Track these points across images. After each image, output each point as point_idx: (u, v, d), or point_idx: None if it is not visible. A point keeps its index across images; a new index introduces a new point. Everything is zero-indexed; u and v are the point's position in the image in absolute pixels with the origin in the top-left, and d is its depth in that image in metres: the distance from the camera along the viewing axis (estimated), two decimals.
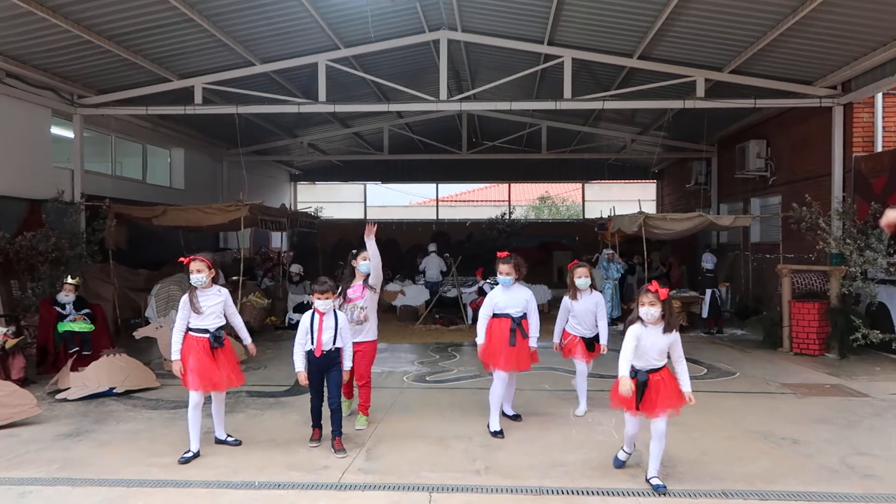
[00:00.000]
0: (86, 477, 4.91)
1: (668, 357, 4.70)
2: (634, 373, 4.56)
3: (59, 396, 7.14)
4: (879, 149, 10.62)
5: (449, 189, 26.95)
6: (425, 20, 10.97)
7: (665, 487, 4.55)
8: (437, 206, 25.45)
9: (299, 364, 5.50)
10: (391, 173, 23.68)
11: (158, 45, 10.17)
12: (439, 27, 11.36)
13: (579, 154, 19.63)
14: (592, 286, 6.62)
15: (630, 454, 5.03)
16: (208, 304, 5.38)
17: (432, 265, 15.58)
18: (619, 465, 5.03)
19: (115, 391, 7.32)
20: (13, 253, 9.60)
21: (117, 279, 11.80)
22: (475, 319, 6.77)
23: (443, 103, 11.79)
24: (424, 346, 10.84)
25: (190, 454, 5.27)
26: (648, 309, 4.54)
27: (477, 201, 28.36)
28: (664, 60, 11.04)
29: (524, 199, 28.74)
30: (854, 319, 9.35)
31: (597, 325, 6.56)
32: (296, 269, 14.41)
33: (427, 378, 8.42)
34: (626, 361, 4.56)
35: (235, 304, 11.53)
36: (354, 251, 6.37)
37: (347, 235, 22.36)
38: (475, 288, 12.94)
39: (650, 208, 21.71)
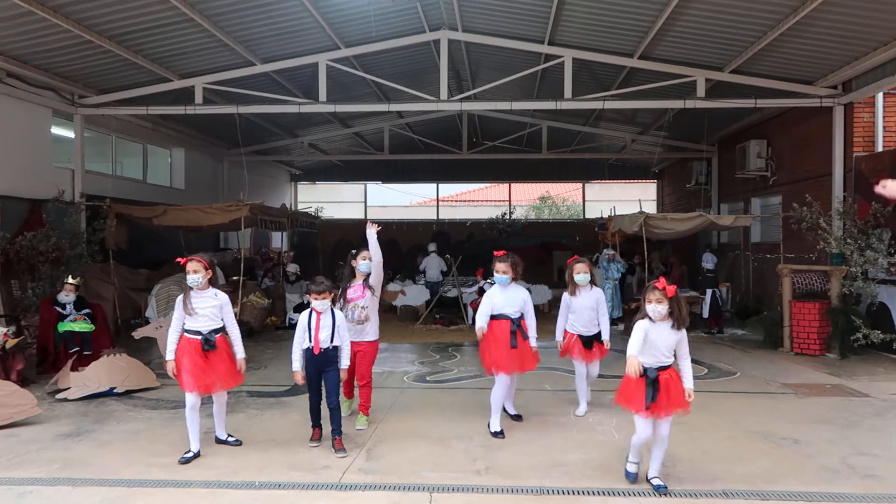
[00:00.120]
0: (86, 477, 4.91)
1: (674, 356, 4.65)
2: (644, 371, 4.47)
3: (59, 396, 7.14)
4: (880, 148, 10.62)
5: (449, 189, 26.95)
6: (426, 20, 10.97)
7: (666, 487, 4.55)
8: (438, 206, 25.45)
9: (296, 363, 5.52)
10: (392, 173, 23.69)
11: (159, 45, 10.17)
12: (440, 27, 11.36)
13: (580, 154, 19.63)
14: (593, 283, 6.54)
15: (638, 464, 4.76)
16: (202, 306, 5.30)
17: (432, 265, 15.57)
18: (633, 478, 4.72)
19: (115, 391, 7.32)
20: (13, 253, 9.60)
21: (118, 279, 11.80)
22: (476, 319, 6.72)
23: (443, 103, 11.78)
24: (425, 346, 10.83)
25: (190, 454, 5.26)
26: (655, 306, 4.47)
27: (477, 201, 28.37)
28: (665, 60, 11.03)
29: (524, 199, 28.75)
30: (855, 319, 9.34)
31: (597, 324, 6.48)
32: (292, 268, 14.41)
33: (427, 378, 8.42)
34: (635, 347, 4.45)
35: (235, 304, 11.65)
36: (354, 251, 6.35)
37: (348, 235, 22.35)
38: (475, 288, 12.93)
39: (651, 208, 21.70)
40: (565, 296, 6.54)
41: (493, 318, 5.98)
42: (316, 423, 5.65)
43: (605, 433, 5.95)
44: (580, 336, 6.47)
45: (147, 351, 9.09)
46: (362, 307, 6.08)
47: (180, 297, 5.37)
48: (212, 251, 15.63)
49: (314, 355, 5.44)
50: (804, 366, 8.99)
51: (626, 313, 12.41)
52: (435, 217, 24.91)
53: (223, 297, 5.44)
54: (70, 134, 11.78)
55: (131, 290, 12.28)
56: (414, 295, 14.58)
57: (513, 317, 5.96)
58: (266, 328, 12.59)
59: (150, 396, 7.35)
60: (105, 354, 7.65)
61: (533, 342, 6.05)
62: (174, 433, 5.88)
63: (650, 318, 4.50)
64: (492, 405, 5.97)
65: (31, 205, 10.41)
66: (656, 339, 4.49)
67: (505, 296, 5.99)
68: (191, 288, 5.31)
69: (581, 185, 25.39)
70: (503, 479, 4.84)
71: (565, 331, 6.58)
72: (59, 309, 8.70)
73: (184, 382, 5.26)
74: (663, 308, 4.46)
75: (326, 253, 18.19)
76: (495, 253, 6.10)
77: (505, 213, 23.85)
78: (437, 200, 25.55)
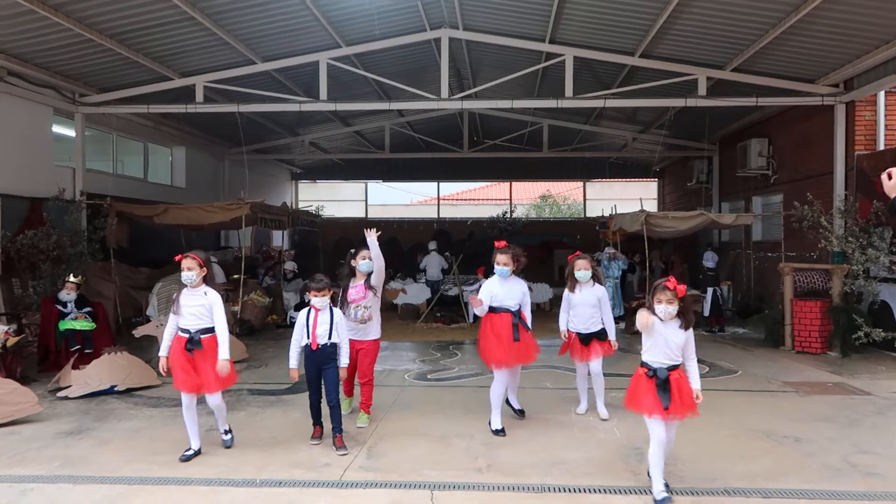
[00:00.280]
0: (87, 474, 4.91)
1: None
2: (653, 372, 4.35)
3: (60, 394, 7.14)
4: (882, 147, 10.61)
5: (450, 187, 26.95)
6: (426, 18, 10.96)
7: (667, 485, 4.53)
8: (439, 205, 25.44)
9: (293, 361, 5.55)
10: (392, 172, 23.67)
11: (160, 44, 10.17)
12: (440, 25, 11.35)
13: (580, 153, 19.61)
14: (596, 279, 6.34)
15: (668, 485, 4.37)
16: (189, 304, 5.20)
17: (433, 263, 15.56)
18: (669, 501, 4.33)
19: (116, 389, 7.32)
20: (14, 251, 9.60)
21: (118, 277, 11.81)
22: (476, 318, 6.66)
23: (444, 101, 11.78)
24: (426, 345, 10.83)
25: (191, 452, 5.26)
26: (666, 307, 4.31)
27: (478, 200, 28.38)
28: (666, 59, 11.02)
29: (525, 198, 28.75)
30: (856, 318, 9.33)
31: (597, 322, 6.27)
32: (290, 266, 14.42)
33: (428, 376, 8.42)
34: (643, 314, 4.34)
35: (236, 302, 11.66)
36: (353, 250, 6.32)
37: (348, 234, 22.32)
38: (476, 286, 12.91)
39: (651, 207, 21.69)
40: (566, 292, 6.38)
41: (492, 310, 5.92)
42: (317, 421, 5.65)
43: (607, 431, 5.95)
44: (578, 333, 6.32)
45: (148, 349, 9.07)
46: (365, 307, 6.07)
47: (175, 295, 5.36)
48: (213, 250, 15.62)
49: (312, 352, 5.44)
50: (805, 364, 8.98)
51: (628, 311, 12.40)
52: (436, 216, 24.89)
53: (213, 297, 5.25)
54: (71, 132, 11.78)
55: (132, 289, 12.28)
56: (415, 293, 14.58)
57: (513, 309, 5.93)
58: (267, 326, 12.60)
59: (151, 394, 7.35)
60: (106, 353, 7.65)
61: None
62: (175, 431, 5.87)
63: (659, 318, 4.35)
64: (492, 402, 5.95)
65: (31, 203, 10.41)
66: (667, 338, 4.34)
67: (505, 288, 5.95)
68: (185, 285, 5.26)
69: (582, 183, 25.37)
70: (504, 476, 4.84)
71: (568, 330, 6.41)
72: (60, 307, 8.71)
73: (175, 380, 5.26)
74: (674, 308, 4.32)
75: (327, 251, 18.17)
76: (496, 244, 6.05)
77: (506, 212, 23.82)
78: (438, 199, 25.54)
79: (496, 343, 5.87)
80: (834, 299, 9.78)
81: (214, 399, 5.30)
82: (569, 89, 11.23)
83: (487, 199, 27.80)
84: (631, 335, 10.92)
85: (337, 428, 5.45)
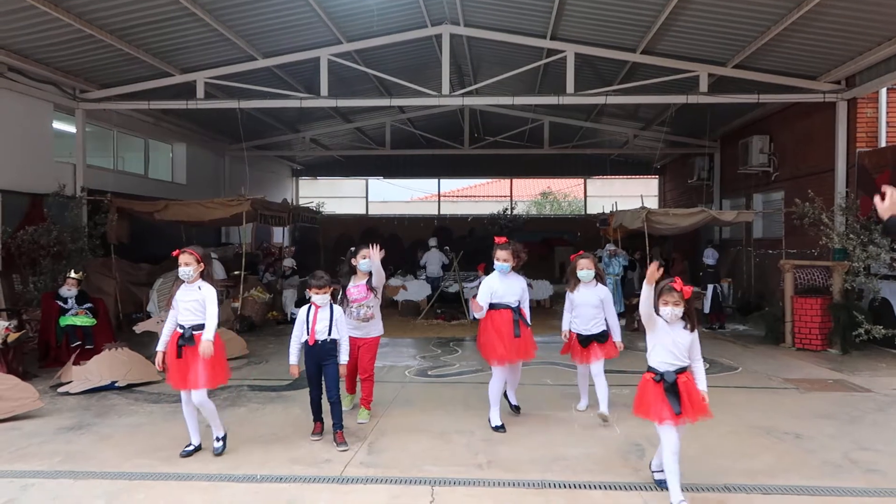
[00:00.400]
0: (88, 470, 4.91)
1: None
2: (661, 376, 4.21)
3: (60, 390, 7.15)
4: (883, 144, 10.59)
5: (451, 184, 26.96)
6: (427, 14, 10.94)
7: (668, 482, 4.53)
8: (439, 202, 25.43)
9: (293, 357, 5.55)
10: (393, 168, 23.65)
11: (160, 40, 10.15)
12: (441, 21, 11.32)
13: (581, 149, 19.59)
14: (599, 279, 6.16)
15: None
16: (185, 300, 5.16)
17: (433, 260, 15.56)
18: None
19: (116, 385, 7.33)
20: (15, 247, 9.61)
21: (119, 274, 11.81)
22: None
23: (445, 98, 11.77)
24: (426, 341, 10.84)
25: (191, 447, 5.26)
26: (672, 309, 4.17)
27: (479, 197, 28.38)
28: (667, 55, 11.00)
29: (526, 195, 28.74)
30: (857, 315, 9.32)
31: (599, 323, 6.09)
32: (288, 263, 14.43)
33: (429, 372, 8.42)
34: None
35: (236, 298, 11.67)
36: (353, 248, 6.29)
37: (349, 231, 22.45)
38: (477, 283, 12.92)
39: (652, 204, 21.69)
40: (568, 292, 6.26)
41: (492, 306, 5.90)
42: (317, 418, 5.66)
43: (607, 428, 5.94)
44: (578, 335, 6.15)
45: (148, 345, 9.06)
46: (368, 306, 6.08)
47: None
48: (213, 246, 15.63)
49: (311, 348, 5.44)
50: (806, 361, 8.98)
51: (628, 309, 12.40)
52: (436, 212, 24.89)
53: (206, 291, 5.17)
54: (72, 128, 11.77)
55: (133, 285, 12.29)
56: (415, 290, 14.58)
57: (513, 305, 5.91)
58: (267, 323, 12.61)
59: (152, 390, 7.36)
60: (107, 348, 7.67)
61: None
62: (175, 427, 5.87)
63: (665, 320, 4.21)
64: (490, 398, 5.96)
65: (32, 199, 10.41)
66: (674, 339, 4.21)
67: (505, 284, 5.93)
68: (182, 281, 5.21)
69: (583, 180, 25.36)
70: (505, 472, 4.84)
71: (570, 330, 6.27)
72: (60, 303, 8.71)
73: (167, 376, 5.25)
74: (680, 310, 4.19)
75: (328, 248, 18.22)
76: (496, 240, 6.03)
77: (506, 209, 23.83)
78: (439, 196, 25.53)
79: (496, 339, 5.85)
80: (834, 296, 9.78)
81: (198, 396, 5.11)
82: (570, 86, 11.21)
83: (488, 196, 27.79)
84: (632, 332, 10.93)
85: (338, 424, 5.45)
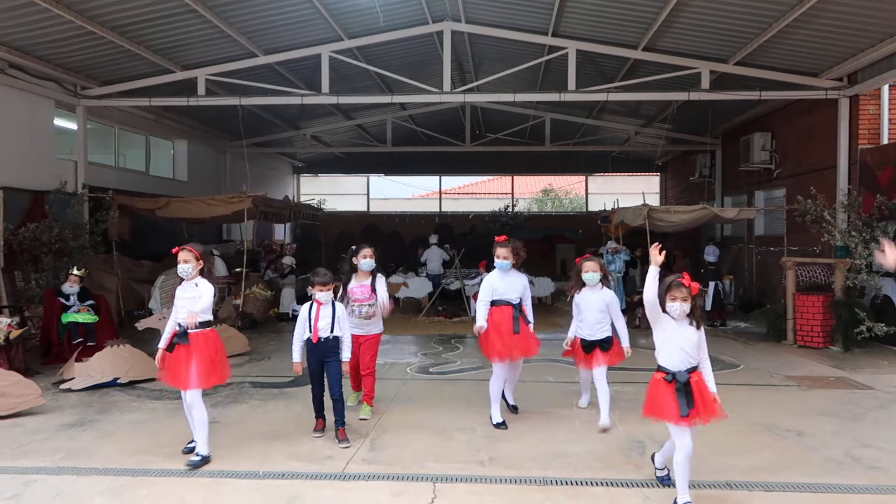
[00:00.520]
0: (90, 466, 4.92)
1: None
2: (672, 376, 4.10)
3: (63, 386, 7.16)
4: (885, 141, 10.58)
5: (452, 181, 26.94)
6: (429, 11, 10.92)
7: (670, 479, 4.53)
8: (441, 199, 25.42)
9: (296, 355, 5.55)
10: (394, 165, 23.64)
11: (161, 36, 10.15)
12: (443, 18, 11.31)
13: (583, 146, 19.59)
14: (605, 282, 6.03)
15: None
16: (183, 297, 5.09)
17: (433, 257, 15.56)
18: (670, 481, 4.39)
19: (118, 381, 7.34)
20: (17, 244, 9.61)
21: (121, 270, 11.82)
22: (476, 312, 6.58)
23: (446, 95, 11.76)
24: (427, 338, 10.84)
25: (193, 444, 5.25)
26: (681, 305, 4.06)
27: (480, 194, 28.36)
28: (669, 52, 10.98)
29: (527, 192, 28.73)
30: (858, 312, 9.31)
31: (604, 329, 5.94)
32: (288, 260, 14.44)
33: (430, 369, 8.43)
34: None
35: (238, 295, 11.67)
36: (354, 247, 6.30)
37: (350, 228, 22.45)
38: (478, 280, 12.91)
39: (654, 201, 21.61)
40: (574, 296, 6.10)
41: (493, 304, 5.91)
42: (319, 414, 5.66)
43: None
44: (582, 340, 6.01)
45: (150, 342, 9.05)
46: (370, 305, 6.11)
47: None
48: (215, 243, 15.64)
49: (314, 345, 5.44)
50: (808, 358, 8.97)
51: (630, 306, 12.40)
52: (437, 210, 24.88)
53: (203, 288, 5.06)
54: (73, 125, 11.77)
55: (134, 282, 12.31)
56: (416, 287, 14.59)
57: (514, 302, 5.91)
58: (269, 320, 12.61)
59: (154, 387, 7.36)
60: (109, 345, 7.67)
61: (530, 328, 6.02)
62: (177, 423, 5.87)
63: (671, 317, 4.12)
64: (491, 396, 5.97)
65: (34, 196, 10.41)
66: (682, 335, 4.10)
67: (506, 281, 5.93)
68: (182, 278, 5.12)
69: (584, 177, 25.34)
70: (506, 469, 4.85)
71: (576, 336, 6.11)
72: (62, 300, 8.72)
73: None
74: (688, 306, 4.07)
75: (329, 245, 18.22)
76: (496, 238, 6.04)
77: (508, 206, 23.82)
78: (440, 193, 25.52)
79: (496, 336, 5.85)
80: (836, 294, 9.76)
81: (190, 396, 4.97)
82: (571, 83, 11.20)
83: (489, 193, 27.77)
84: (633, 329, 10.91)
85: (340, 421, 5.45)
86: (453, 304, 13.76)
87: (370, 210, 24.94)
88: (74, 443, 5.48)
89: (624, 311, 12.47)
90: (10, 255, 9.65)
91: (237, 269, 12.47)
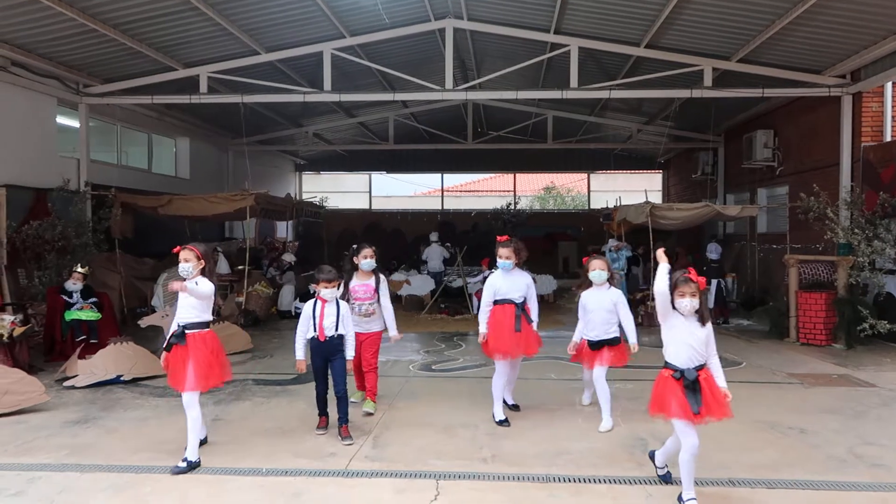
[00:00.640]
0: (94, 463, 4.93)
1: None
2: (680, 373, 4.03)
3: (66, 384, 7.17)
4: (888, 138, 10.56)
5: (454, 179, 26.91)
6: (431, 9, 10.91)
7: (671, 477, 4.53)
8: (443, 197, 25.42)
9: (299, 352, 5.54)
10: (396, 163, 23.65)
11: (163, 34, 10.15)
12: (445, 15, 11.30)
13: (585, 144, 19.56)
14: (611, 282, 5.95)
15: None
16: (183, 296, 4.98)
17: (434, 255, 15.55)
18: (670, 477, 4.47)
19: (122, 379, 7.35)
20: (20, 242, 9.63)
21: (123, 268, 11.84)
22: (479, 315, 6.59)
23: (448, 92, 11.75)
24: (430, 336, 10.85)
25: (204, 436, 5.27)
26: (690, 301, 4.00)
27: (482, 191, 28.33)
28: (672, 49, 10.96)
29: (529, 190, 28.71)
30: (861, 310, 9.29)
31: (613, 328, 5.87)
32: (287, 257, 14.45)
33: (433, 367, 8.44)
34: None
35: (240, 293, 11.68)
36: (355, 246, 6.34)
37: (353, 225, 22.45)
38: (480, 277, 12.92)
39: (656, 199, 21.60)
40: (580, 297, 6.05)
41: (496, 302, 5.94)
42: (322, 412, 5.67)
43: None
44: (588, 341, 5.94)
45: (153, 339, 9.11)
46: (370, 304, 6.19)
47: None
48: (217, 241, 15.66)
49: (320, 343, 5.44)
50: (810, 356, 8.97)
51: (631, 303, 12.37)
52: (440, 207, 24.88)
53: (202, 285, 4.94)
54: (75, 123, 11.78)
55: (137, 280, 12.32)
56: (419, 284, 14.59)
57: (517, 301, 5.92)
58: (271, 317, 12.62)
59: (157, 384, 7.37)
60: (112, 342, 7.68)
61: (534, 327, 6.03)
62: (181, 420, 5.83)
63: (681, 314, 4.06)
64: (493, 394, 5.98)
65: (36, 194, 10.42)
66: (691, 332, 4.05)
67: (509, 281, 5.95)
68: (184, 278, 5.02)
69: (586, 175, 25.33)
70: (509, 466, 4.85)
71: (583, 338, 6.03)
72: (65, 297, 8.74)
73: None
74: (696, 302, 4.01)
75: (331, 243, 18.22)
76: (498, 238, 6.06)
77: (510, 204, 23.80)
78: (442, 191, 25.52)
79: (498, 334, 5.89)
80: (839, 291, 9.75)
81: (185, 397, 4.90)
82: (574, 80, 11.19)
83: (491, 191, 27.74)
84: (636, 326, 10.89)
85: (343, 418, 5.46)
86: (456, 302, 13.75)
87: (372, 208, 24.95)
88: (78, 440, 5.49)
89: None
90: (13, 253, 9.66)
91: (240, 267, 12.49)
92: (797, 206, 10.67)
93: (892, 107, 10.66)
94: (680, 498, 4.13)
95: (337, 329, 5.45)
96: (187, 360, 4.90)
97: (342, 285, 6.06)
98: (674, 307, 4.06)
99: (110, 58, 10.70)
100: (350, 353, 5.56)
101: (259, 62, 11.65)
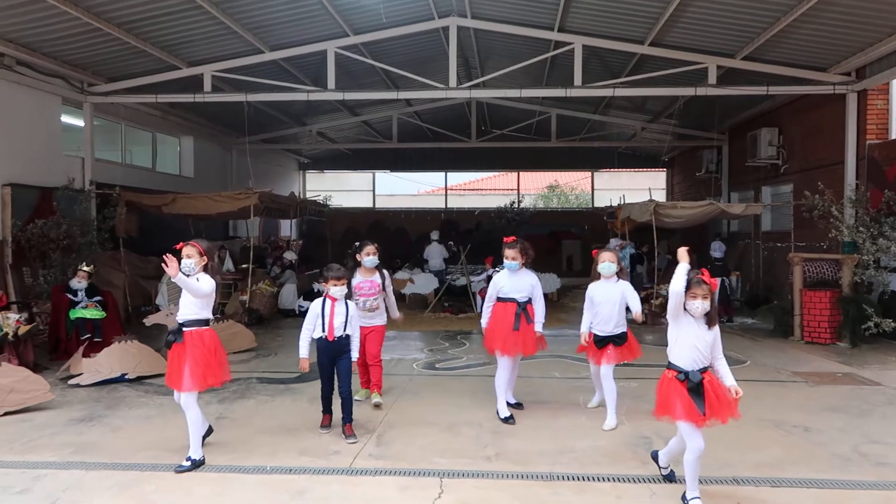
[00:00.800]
0: (99, 461, 4.95)
1: None
2: (684, 375, 4.01)
3: (71, 382, 7.20)
4: (894, 136, 10.51)
5: (458, 178, 26.89)
6: (434, 7, 10.90)
7: (675, 476, 4.53)
8: (446, 195, 25.40)
9: (304, 350, 5.50)
10: (400, 162, 23.62)
11: (167, 33, 10.16)
12: (449, 13, 11.29)
13: (589, 142, 19.52)
14: (621, 275, 5.92)
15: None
16: (185, 293, 4.96)
17: (434, 253, 15.54)
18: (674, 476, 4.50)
19: (126, 377, 7.38)
20: (25, 240, 9.66)
21: (128, 267, 11.87)
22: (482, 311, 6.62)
23: (452, 91, 11.74)
24: (434, 334, 10.85)
25: (208, 428, 5.28)
26: (702, 303, 3.96)
27: (486, 190, 28.32)
28: (676, 47, 10.93)
29: (533, 188, 28.70)
30: (866, 308, 9.27)
31: (621, 323, 5.84)
32: (289, 255, 14.46)
33: (437, 365, 8.44)
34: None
35: (244, 291, 11.70)
36: (358, 244, 6.42)
37: (356, 224, 22.46)
38: (484, 276, 12.93)
39: (660, 197, 21.58)
40: (588, 290, 6.00)
41: (499, 300, 6.00)
42: (327, 410, 5.68)
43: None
44: (595, 335, 5.88)
45: (157, 338, 9.10)
46: (374, 299, 6.30)
47: None
48: (221, 239, 15.68)
49: (328, 343, 5.43)
50: (815, 354, 8.95)
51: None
52: (443, 206, 24.87)
53: (203, 281, 4.90)
54: (80, 122, 11.80)
55: (141, 278, 12.35)
56: (423, 283, 14.58)
57: (519, 300, 5.95)
58: (275, 316, 12.64)
59: (162, 383, 7.27)
60: (116, 341, 7.71)
61: (539, 327, 6.02)
62: (185, 419, 5.89)
63: (690, 315, 4.03)
64: (497, 390, 6.02)
65: (41, 192, 10.44)
66: (698, 334, 4.02)
67: (513, 281, 5.99)
68: (187, 275, 4.92)
69: (590, 173, 25.28)
70: (513, 465, 4.85)
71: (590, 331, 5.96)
72: (70, 296, 8.77)
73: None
74: (708, 304, 3.98)
75: (335, 241, 18.23)
76: (504, 239, 6.11)
77: (513, 202, 23.79)
78: (446, 189, 25.50)
79: (496, 330, 5.97)
80: (844, 289, 9.73)
81: (182, 399, 4.89)
82: (577, 78, 11.16)
83: (495, 189, 27.73)
84: (640, 325, 10.89)
85: (347, 417, 5.46)
86: (459, 301, 13.75)
87: (376, 206, 24.95)
88: (83, 438, 5.51)
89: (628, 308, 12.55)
90: (18, 252, 9.69)
91: (244, 266, 12.50)
92: (802, 205, 10.63)
93: None
94: (684, 497, 4.13)
95: (345, 329, 5.46)
96: (184, 360, 4.84)
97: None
98: (684, 308, 4.02)
99: (115, 57, 10.72)
100: (356, 354, 5.58)
101: (263, 61, 11.65)
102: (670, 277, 4.11)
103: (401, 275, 14.62)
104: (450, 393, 6.99)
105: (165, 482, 4.57)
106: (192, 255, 4.94)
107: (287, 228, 21.56)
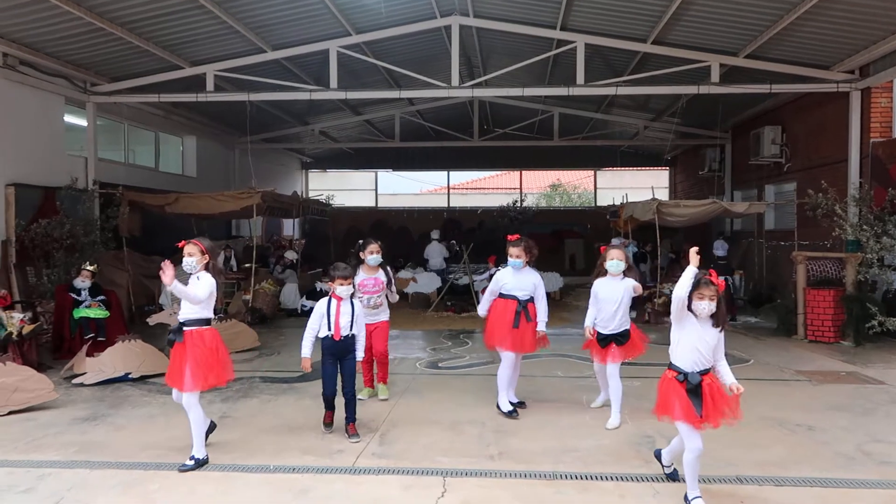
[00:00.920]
0: (103, 460, 4.96)
1: None
2: (684, 376, 3.99)
3: (75, 381, 7.21)
4: None
5: (460, 177, 26.90)
6: (437, 5, 10.89)
7: (678, 475, 4.52)
8: (449, 194, 25.40)
9: (307, 350, 5.49)
10: (402, 161, 23.63)
11: (170, 32, 10.17)
12: (451, 12, 11.28)
13: (591, 141, 19.50)
14: (628, 273, 5.84)
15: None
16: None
17: (434, 253, 15.54)
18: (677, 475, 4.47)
19: (130, 376, 7.39)
20: (28, 240, 9.68)
21: (131, 266, 11.89)
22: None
23: (454, 90, 11.73)
24: (436, 333, 10.85)
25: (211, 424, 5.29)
26: (709, 304, 3.91)
27: (488, 189, 28.34)
28: (678, 45, 10.91)
29: (536, 187, 28.70)
30: (870, 307, 9.24)
31: (624, 321, 5.81)
32: (290, 255, 14.48)
33: (439, 364, 8.44)
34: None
35: (247, 291, 11.71)
36: (361, 242, 6.46)
37: (359, 223, 22.47)
38: (486, 275, 12.92)
39: (663, 196, 21.55)
40: (593, 286, 5.95)
41: (501, 296, 6.04)
42: (329, 406, 5.66)
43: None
44: (598, 333, 5.84)
45: (161, 337, 9.10)
46: (378, 296, 6.38)
47: None
48: (224, 239, 15.70)
49: (334, 343, 5.40)
50: (818, 353, 8.93)
51: (636, 301, 12.34)
52: (446, 205, 24.87)
53: (204, 279, 4.88)
54: (83, 122, 11.83)
55: (145, 277, 12.37)
56: (425, 282, 14.59)
57: (521, 298, 5.96)
58: (278, 315, 12.65)
59: (165, 382, 7.40)
60: (120, 340, 7.72)
61: (542, 326, 6.03)
62: (188, 418, 5.90)
63: (695, 316, 3.98)
64: (498, 384, 6.03)
65: (45, 192, 10.47)
66: (701, 335, 3.98)
67: (516, 279, 6.02)
68: (188, 273, 4.97)
69: (593, 172, 25.26)
70: (516, 463, 4.86)
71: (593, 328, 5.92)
72: (74, 295, 8.80)
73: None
74: (715, 305, 3.93)
75: (338, 240, 18.24)
76: (508, 237, 6.13)
77: (516, 201, 23.78)
78: (448, 188, 25.50)
79: (495, 325, 6.03)
80: (847, 288, 9.70)
81: (184, 399, 4.86)
82: (580, 77, 11.15)
83: (497, 188, 27.74)
84: (642, 324, 10.88)
85: (350, 417, 5.46)
86: (462, 300, 13.75)
87: (378, 205, 24.96)
88: (87, 437, 5.52)
89: (633, 307, 12.54)
90: (22, 251, 9.72)
91: (246, 265, 12.52)
92: (805, 203, 10.60)
93: None
94: (686, 497, 4.12)
95: (351, 328, 5.45)
96: (185, 359, 4.81)
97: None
98: (689, 308, 3.98)
99: (117, 56, 10.73)
100: (361, 354, 5.57)
101: (265, 60, 11.66)
102: (673, 276, 4.09)
103: (404, 274, 14.62)
104: (453, 392, 6.99)
105: (169, 481, 4.58)
106: (193, 254, 4.94)
107: (290, 228, 21.58)
